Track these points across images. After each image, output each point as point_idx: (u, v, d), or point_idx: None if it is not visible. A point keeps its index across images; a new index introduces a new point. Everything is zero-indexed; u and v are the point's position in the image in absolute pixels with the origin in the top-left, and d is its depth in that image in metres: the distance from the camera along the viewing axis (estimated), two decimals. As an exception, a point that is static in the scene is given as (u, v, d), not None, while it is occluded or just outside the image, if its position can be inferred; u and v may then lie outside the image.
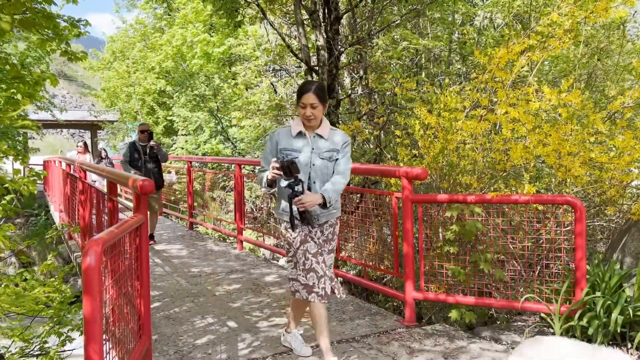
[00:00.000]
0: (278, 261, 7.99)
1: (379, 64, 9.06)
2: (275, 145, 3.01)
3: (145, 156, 7.01)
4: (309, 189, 2.95)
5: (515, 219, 4.00)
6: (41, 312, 3.97)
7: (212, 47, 16.80)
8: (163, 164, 7.47)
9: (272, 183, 2.93)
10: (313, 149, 2.98)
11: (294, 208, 2.88)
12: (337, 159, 3.02)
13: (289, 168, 2.77)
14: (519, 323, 3.96)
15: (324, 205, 2.88)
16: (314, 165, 2.97)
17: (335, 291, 2.98)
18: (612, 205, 4.40)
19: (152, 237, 7.48)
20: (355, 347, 3.41)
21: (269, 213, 8.11)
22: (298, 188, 2.82)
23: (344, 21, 9.09)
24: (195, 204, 9.43)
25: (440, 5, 9.60)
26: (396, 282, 4.74)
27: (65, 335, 4.14)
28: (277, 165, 2.79)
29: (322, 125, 3.02)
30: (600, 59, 7.61)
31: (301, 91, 2.95)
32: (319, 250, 2.99)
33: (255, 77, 14.03)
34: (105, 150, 12.56)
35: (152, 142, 7.06)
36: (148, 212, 6.87)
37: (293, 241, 2.99)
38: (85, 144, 12.64)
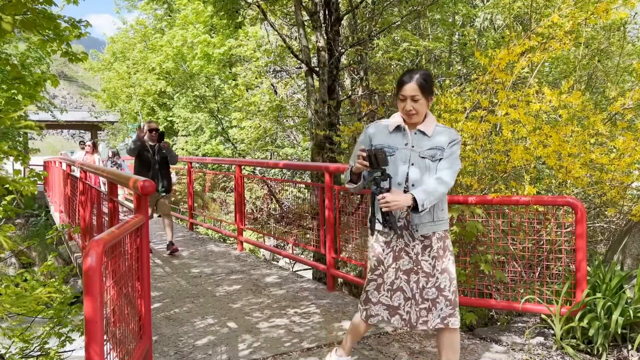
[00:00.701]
0: (278, 262, 8.00)
1: (380, 65, 9.08)
2: (369, 140, 2.62)
3: (155, 157, 6.57)
4: (405, 192, 2.48)
5: (515, 220, 4.00)
6: (41, 312, 3.96)
7: (213, 48, 16.82)
8: (172, 166, 6.95)
9: (357, 178, 2.53)
10: (413, 146, 2.53)
11: (377, 207, 2.44)
12: (440, 159, 2.53)
13: (376, 157, 2.34)
14: (520, 324, 3.96)
15: (414, 209, 2.40)
16: (412, 165, 2.51)
17: (451, 320, 2.51)
18: (612, 206, 4.41)
19: (172, 246, 6.78)
20: (355, 348, 3.41)
21: (269, 214, 8.10)
22: (384, 184, 2.37)
23: (344, 22, 9.09)
24: (196, 204, 9.43)
25: (440, 7, 9.62)
26: (396, 283, 4.74)
27: (65, 336, 4.13)
28: (365, 154, 2.37)
29: (426, 120, 2.56)
30: (600, 61, 7.61)
31: (401, 81, 2.50)
32: (414, 268, 2.55)
33: (256, 78, 14.05)
34: (115, 153, 12.42)
35: (162, 143, 6.62)
36: (166, 220, 6.78)
37: (384, 258, 2.58)
38: (94, 143, 12.48)
